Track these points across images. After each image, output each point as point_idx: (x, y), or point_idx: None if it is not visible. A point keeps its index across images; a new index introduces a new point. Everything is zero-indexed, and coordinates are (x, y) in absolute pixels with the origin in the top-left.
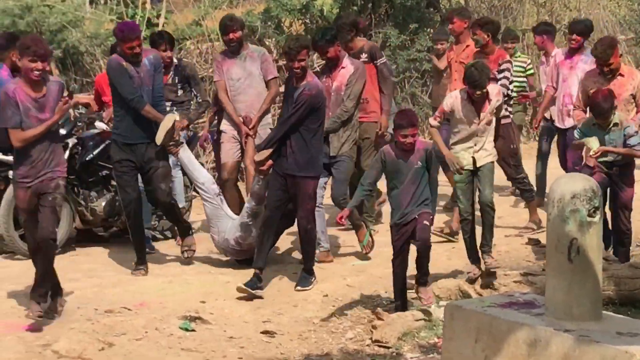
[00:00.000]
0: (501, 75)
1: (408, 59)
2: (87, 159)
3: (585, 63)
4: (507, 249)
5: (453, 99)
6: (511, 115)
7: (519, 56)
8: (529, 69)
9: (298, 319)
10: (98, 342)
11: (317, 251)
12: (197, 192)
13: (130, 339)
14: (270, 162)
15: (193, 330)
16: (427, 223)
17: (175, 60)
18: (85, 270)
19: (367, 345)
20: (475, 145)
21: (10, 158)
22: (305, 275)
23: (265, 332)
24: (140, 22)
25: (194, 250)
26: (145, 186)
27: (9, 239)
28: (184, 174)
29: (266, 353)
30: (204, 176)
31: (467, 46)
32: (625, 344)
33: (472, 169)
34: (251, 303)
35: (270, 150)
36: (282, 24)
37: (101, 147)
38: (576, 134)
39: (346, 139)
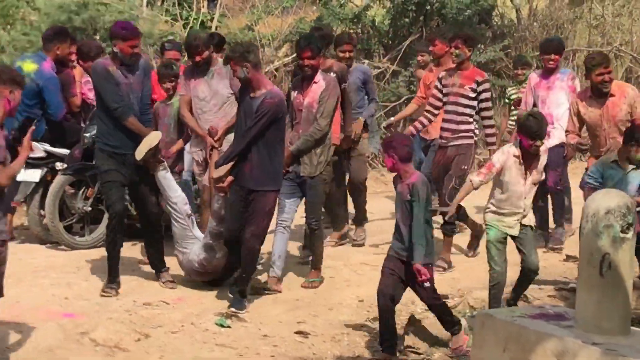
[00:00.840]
0: (483, 96)
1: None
2: None
3: (562, 81)
4: (545, 265)
5: (505, 155)
6: (475, 137)
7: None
8: None
9: (332, 322)
10: (135, 332)
11: (268, 275)
12: (169, 211)
13: (167, 331)
14: (230, 178)
15: (228, 327)
16: (427, 284)
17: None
18: (127, 264)
19: (400, 351)
20: (523, 210)
21: (57, 150)
22: (238, 299)
23: (299, 333)
24: (194, 25)
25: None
26: (133, 197)
27: (54, 229)
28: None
29: (299, 352)
30: (177, 196)
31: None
32: None
33: (515, 235)
34: (287, 304)
35: (229, 165)
36: (332, 32)
37: None
38: (592, 173)
39: (319, 161)
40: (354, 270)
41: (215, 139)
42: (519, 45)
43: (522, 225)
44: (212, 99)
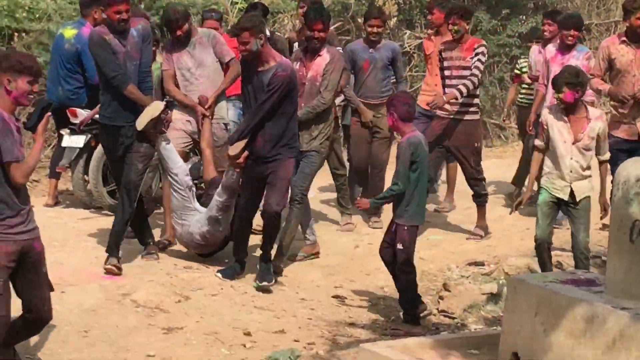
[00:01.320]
0: (476, 58)
1: (498, 43)
2: None
3: (577, 60)
4: None
5: (548, 111)
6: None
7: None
8: None
9: (369, 287)
10: (175, 295)
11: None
12: (170, 182)
13: (206, 294)
14: (245, 153)
15: (267, 291)
16: (400, 246)
17: (267, 33)
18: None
19: (434, 314)
20: (570, 172)
21: None
22: (266, 269)
23: (335, 297)
24: None
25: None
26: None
27: (97, 194)
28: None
29: (335, 316)
30: (178, 167)
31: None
32: None
33: (565, 199)
34: (324, 269)
35: (245, 141)
36: (374, 3)
37: None
38: None
39: (318, 134)
40: None
41: (206, 107)
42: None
43: (573, 195)
44: (198, 69)
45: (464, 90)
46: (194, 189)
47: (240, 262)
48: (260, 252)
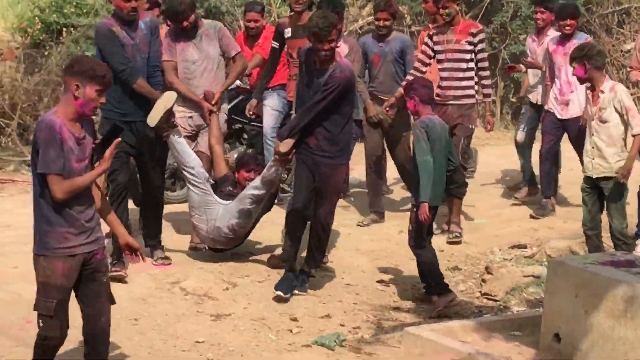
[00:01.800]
0: (480, 47)
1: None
2: None
3: None
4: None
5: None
6: (477, 96)
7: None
8: None
9: (413, 272)
10: (223, 282)
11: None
12: (185, 178)
13: (253, 280)
14: (293, 151)
15: (312, 276)
16: (410, 227)
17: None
18: None
19: (477, 297)
20: (592, 148)
21: None
22: (304, 279)
23: (380, 282)
24: None
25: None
26: (139, 169)
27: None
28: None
29: (379, 300)
30: (193, 160)
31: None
32: None
33: (592, 176)
34: (369, 254)
35: (294, 139)
36: None
37: (234, 102)
38: None
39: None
40: (437, 222)
41: (213, 102)
42: (600, 1)
43: (604, 177)
44: (203, 62)
45: (490, 89)
46: (210, 180)
47: (294, 271)
48: (304, 263)
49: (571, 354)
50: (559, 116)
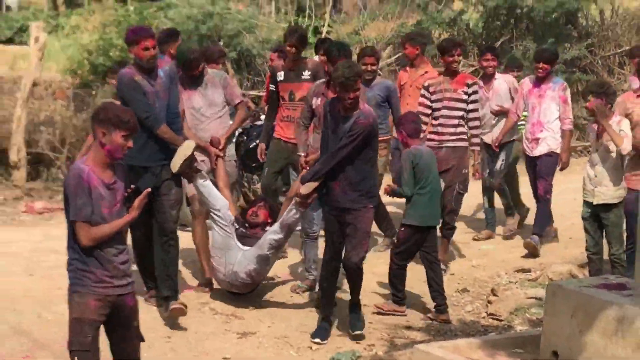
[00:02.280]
0: (473, 97)
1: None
2: (250, 146)
3: (553, 91)
4: None
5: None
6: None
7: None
8: None
9: (425, 293)
10: (248, 303)
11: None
12: (211, 219)
13: (277, 301)
14: (315, 195)
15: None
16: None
17: None
18: None
19: (483, 317)
20: (595, 176)
21: None
22: (356, 316)
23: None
24: (308, 30)
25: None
26: (156, 212)
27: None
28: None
29: (393, 320)
30: (219, 201)
31: (426, 72)
32: None
33: (593, 202)
34: (384, 277)
35: (317, 183)
36: (431, 35)
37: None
38: None
39: None
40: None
41: (220, 148)
42: (602, 44)
43: (604, 204)
44: (209, 109)
45: (479, 139)
46: (236, 224)
47: (328, 320)
48: (350, 303)
49: None
50: (529, 153)
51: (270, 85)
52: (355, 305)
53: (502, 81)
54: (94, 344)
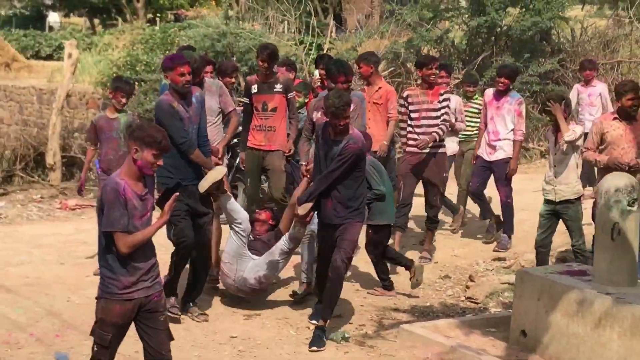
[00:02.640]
0: (444, 110)
1: (522, 81)
2: None
3: (510, 104)
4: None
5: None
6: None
7: (477, 99)
8: None
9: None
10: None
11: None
12: (232, 229)
13: (280, 286)
14: (312, 213)
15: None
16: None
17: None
18: None
19: (462, 300)
20: (555, 176)
21: None
22: (320, 335)
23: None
24: (314, 47)
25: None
26: (194, 226)
27: None
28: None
29: (382, 303)
30: (241, 215)
31: (380, 87)
32: None
33: (554, 200)
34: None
35: (312, 203)
36: (420, 51)
37: None
38: None
39: None
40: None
41: (220, 156)
42: (572, 58)
43: (564, 200)
44: (208, 117)
45: (441, 133)
46: (250, 236)
47: (322, 328)
48: (320, 300)
49: (534, 346)
50: (486, 158)
51: (245, 98)
52: (322, 317)
53: (452, 99)
54: (115, 343)
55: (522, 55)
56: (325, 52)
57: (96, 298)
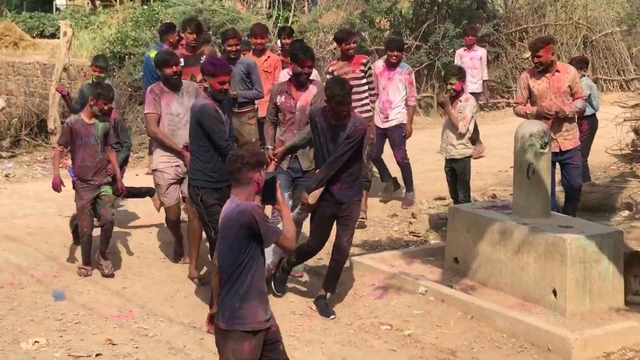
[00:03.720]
0: (369, 72)
1: (461, 45)
2: None
3: (400, 74)
4: None
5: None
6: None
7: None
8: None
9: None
10: None
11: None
12: None
13: None
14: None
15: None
16: None
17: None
18: None
19: (406, 235)
20: (447, 138)
21: None
22: (324, 305)
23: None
24: (281, 21)
25: None
26: None
27: None
28: None
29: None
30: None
31: (269, 57)
32: (562, 233)
33: (447, 158)
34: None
35: (321, 190)
36: (373, 21)
37: None
38: None
39: (312, 156)
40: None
41: None
42: (506, 23)
43: (452, 158)
44: (185, 115)
45: (374, 100)
46: None
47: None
48: (322, 287)
49: (465, 271)
50: (380, 125)
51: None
52: (328, 287)
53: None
54: None
55: (461, 22)
56: (290, 24)
57: (220, 332)
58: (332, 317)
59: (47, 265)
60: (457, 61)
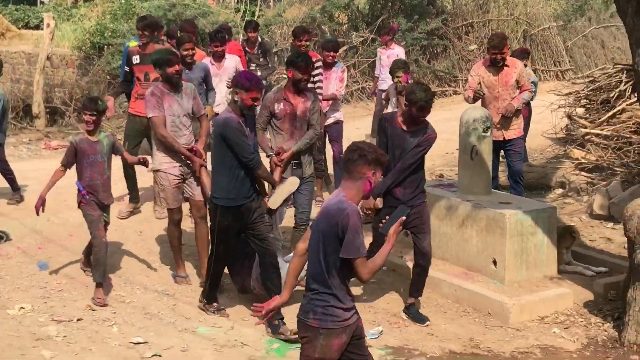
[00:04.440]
0: (317, 71)
1: (413, 37)
2: None
3: (336, 73)
4: None
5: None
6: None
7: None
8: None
9: None
10: None
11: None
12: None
13: None
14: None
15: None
16: None
17: (259, 39)
18: None
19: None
20: None
21: None
22: (416, 312)
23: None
24: (248, 14)
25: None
26: (253, 237)
27: None
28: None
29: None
30: (282, 219)
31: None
32: (501, 209)
33: None
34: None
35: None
36: (333, 15)
37: None
38: None
39: (311, 161)
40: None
41: (203, 157)
42: (453, 18)
43: None
44: (183, 117)
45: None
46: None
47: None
48: (409, 296)
49: None
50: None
51: (126, 66)
52: (415, 293)
53: (231, 60)
54: None
55: (413, 16)
56: (256, 18)
57: (306, 333)
58: (427, 323)
59: (32, 238)
60: (377, 59)
